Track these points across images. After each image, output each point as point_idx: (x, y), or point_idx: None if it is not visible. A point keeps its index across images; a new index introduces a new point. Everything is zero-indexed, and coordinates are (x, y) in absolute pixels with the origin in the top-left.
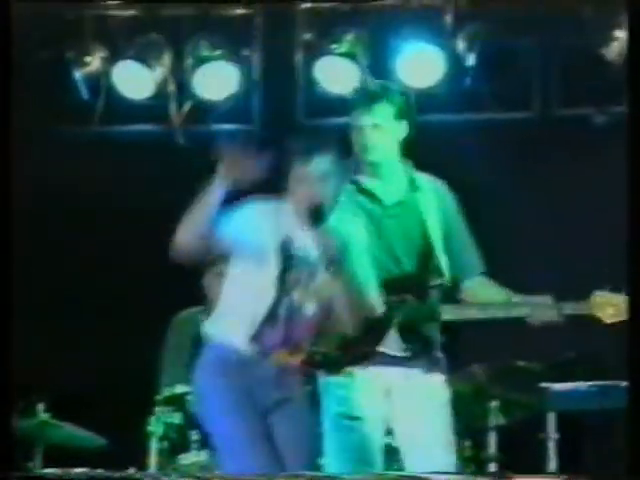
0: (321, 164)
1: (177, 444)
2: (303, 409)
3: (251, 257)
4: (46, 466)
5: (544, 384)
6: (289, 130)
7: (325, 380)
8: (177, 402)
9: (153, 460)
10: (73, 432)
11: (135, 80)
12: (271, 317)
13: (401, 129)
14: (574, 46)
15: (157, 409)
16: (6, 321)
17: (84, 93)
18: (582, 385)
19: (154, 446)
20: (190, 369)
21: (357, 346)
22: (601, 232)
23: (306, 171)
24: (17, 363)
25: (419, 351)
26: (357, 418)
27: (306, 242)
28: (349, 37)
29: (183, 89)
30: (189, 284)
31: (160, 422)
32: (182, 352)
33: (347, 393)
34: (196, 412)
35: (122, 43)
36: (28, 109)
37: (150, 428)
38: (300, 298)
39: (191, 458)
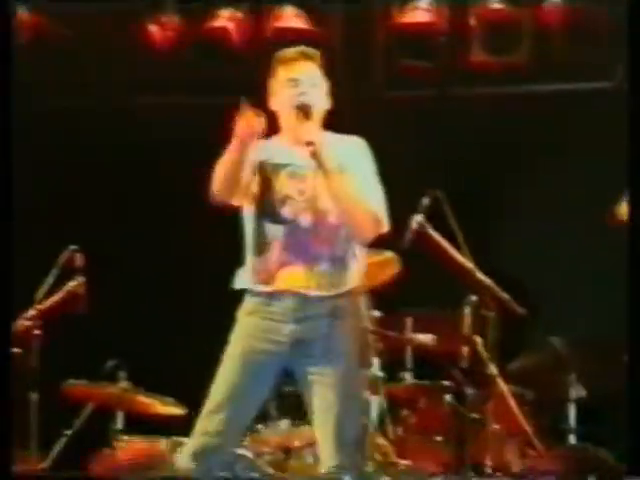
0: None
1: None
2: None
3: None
4: (127, 433)
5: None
6: None
7: None
8: None
9: None
10: (154, 400)
11: None
12: (261, 240)
13: None
14: None
15: None
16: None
17: None
18: None
19: None
20: None
21: None
22: None
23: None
24: (100, 331)
25: None
26: None
27: (295, 154)
28: None
29: None
30: None
31: None
32: None
33: None
34: None
35: None
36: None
37: None
38: (293, 211)
39: (271, 429)
